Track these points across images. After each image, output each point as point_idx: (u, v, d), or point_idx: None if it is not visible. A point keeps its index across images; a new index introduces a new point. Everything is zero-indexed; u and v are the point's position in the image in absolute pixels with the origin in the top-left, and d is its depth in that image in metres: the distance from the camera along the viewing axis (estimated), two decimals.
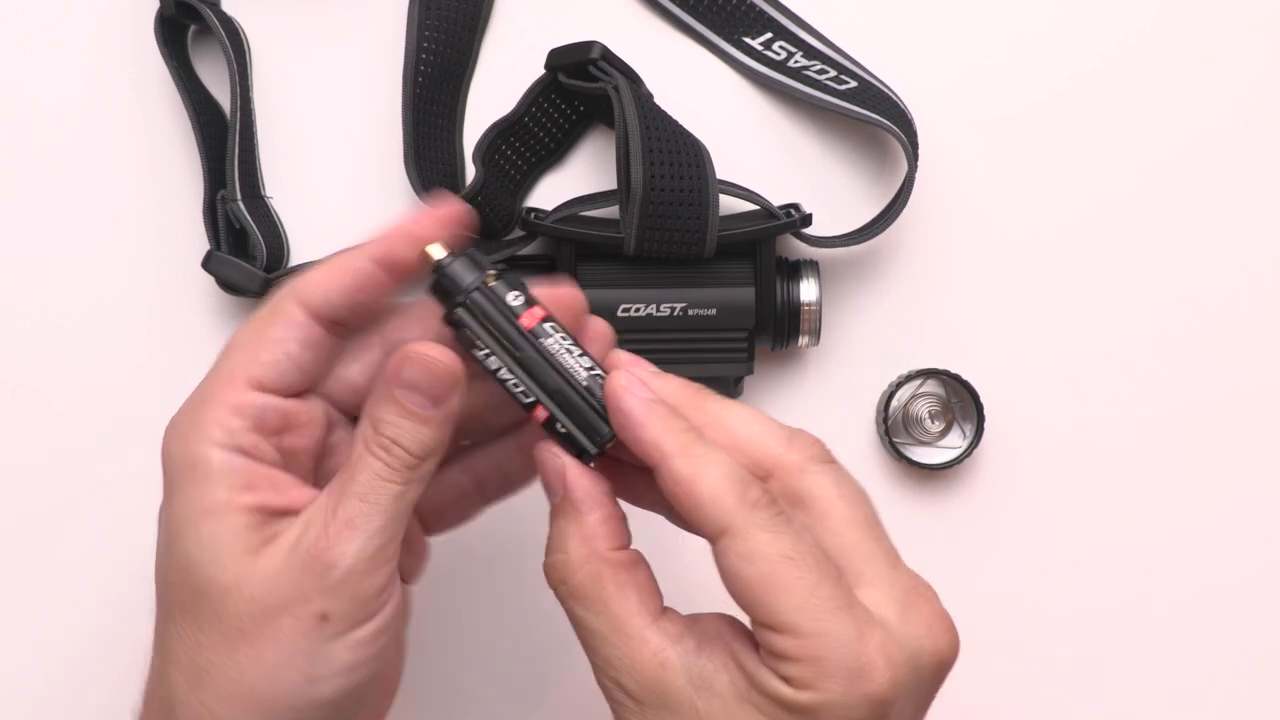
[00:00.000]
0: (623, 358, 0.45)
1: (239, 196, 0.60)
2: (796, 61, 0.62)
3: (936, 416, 0.62)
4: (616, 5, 0.63)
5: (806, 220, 0.59)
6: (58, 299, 0.62)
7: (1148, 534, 0.64)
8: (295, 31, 0.63)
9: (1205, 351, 0.64)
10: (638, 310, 0.58)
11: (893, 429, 0.63)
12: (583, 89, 0.59)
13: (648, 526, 0.45)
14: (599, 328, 0.46)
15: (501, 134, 0.61)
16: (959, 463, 0.62)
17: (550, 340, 0.44)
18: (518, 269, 0.57)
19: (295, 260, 0.62)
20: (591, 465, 0.44)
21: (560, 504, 0.44)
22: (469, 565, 0.63)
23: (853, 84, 0.62)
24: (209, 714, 0.41)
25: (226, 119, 0.62)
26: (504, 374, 0.44)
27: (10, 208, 0.62)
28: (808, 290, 0.59)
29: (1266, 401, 0.64)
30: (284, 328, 0.44)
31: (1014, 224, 0.64)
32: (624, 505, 0.44)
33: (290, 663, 0.41)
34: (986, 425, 0.62)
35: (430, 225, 0.44)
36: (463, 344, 0.44)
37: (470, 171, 0.60)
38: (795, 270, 0.60)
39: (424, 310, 0.46)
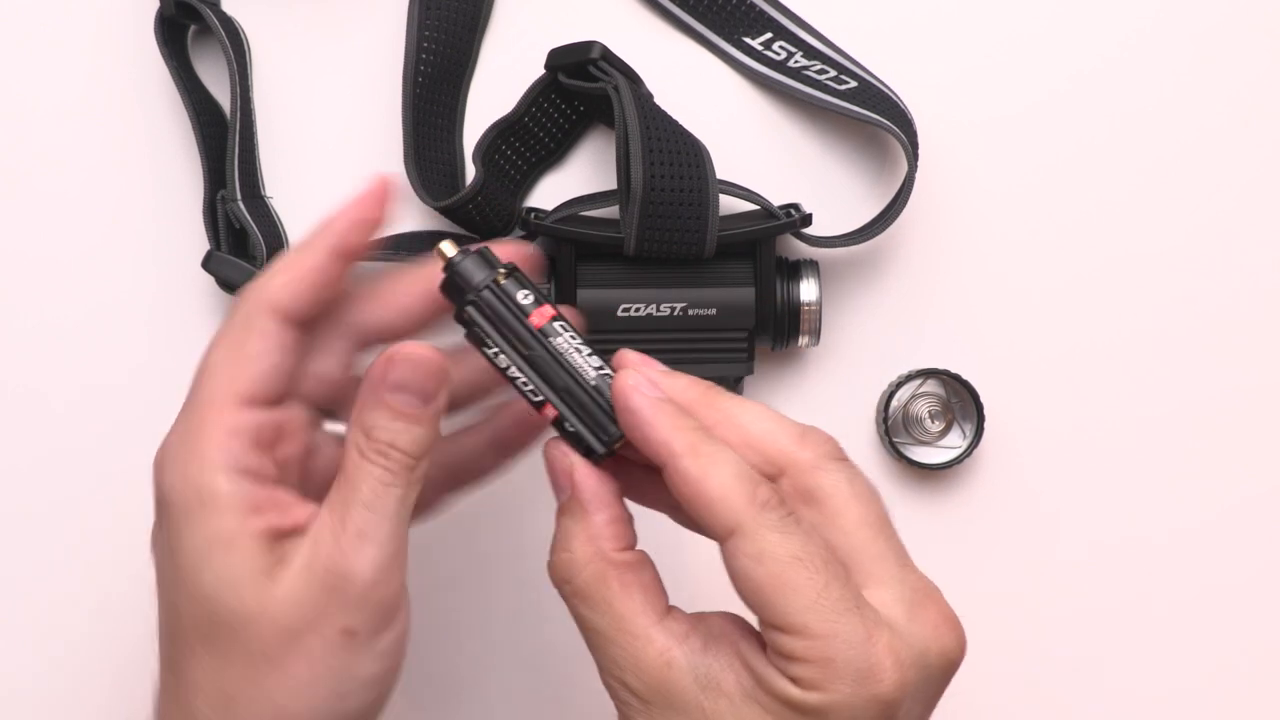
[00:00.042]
0: (631, 357, 0.45)
1: (239, 196, 0.60)
2: (796, 61, 0.62)
3: (936, 416, 0.62)
4: (616, 5, 0.63)
5: (806, 220, 0.59)
6: (58, 299, 0.62)
7: (1148, 534, 0.64)
8: (295, 31, 0.62)
9: (1205, 351, 0.64)
10: (638, 310, 0.58)
11: (893, 429, 0.63)
12: (583, 89, 0.59)
13: (653, 525, 0.45)
14: (523, 249, 0.47)
15: (501, 134, 0.61)
16: (959, 463, 0.62)
17: (559, 339, 0.44)
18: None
19: None
20: (599, 465, 0.44)
21: (567, 503, 0.44)
22: (469, 565, 0.63)
23: (853, 84, 0.62)
24: None
25: (226, 119, 0.62)
26: (513, 372, 0.44)
27: (10, 208, 0.62)
28: (808, 290, 0.59)
29: (1266, 401, 0.64)
30: (260, 339, 0.43)
31: (1014, 224, 0.64)
32: (631, 505, 0.44)
33: (319, 681, 0.41)
34: (986, 425, 0.62)
35: (374, 206, 0.44)
36: (472, 342, 0.44)
37: (470, 171, 0.60)
38: (795, 270, 0.60)
39: (382, 289, 0.46)
